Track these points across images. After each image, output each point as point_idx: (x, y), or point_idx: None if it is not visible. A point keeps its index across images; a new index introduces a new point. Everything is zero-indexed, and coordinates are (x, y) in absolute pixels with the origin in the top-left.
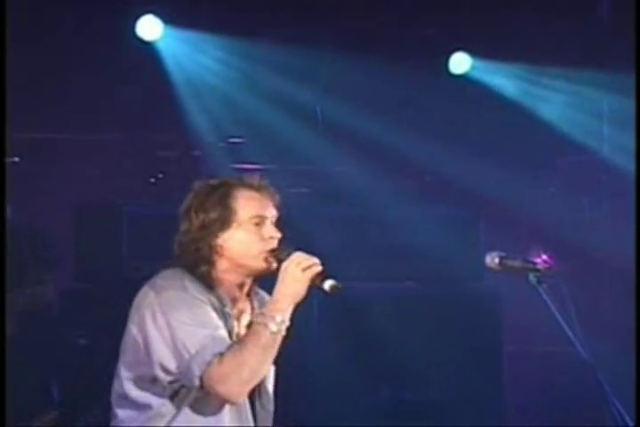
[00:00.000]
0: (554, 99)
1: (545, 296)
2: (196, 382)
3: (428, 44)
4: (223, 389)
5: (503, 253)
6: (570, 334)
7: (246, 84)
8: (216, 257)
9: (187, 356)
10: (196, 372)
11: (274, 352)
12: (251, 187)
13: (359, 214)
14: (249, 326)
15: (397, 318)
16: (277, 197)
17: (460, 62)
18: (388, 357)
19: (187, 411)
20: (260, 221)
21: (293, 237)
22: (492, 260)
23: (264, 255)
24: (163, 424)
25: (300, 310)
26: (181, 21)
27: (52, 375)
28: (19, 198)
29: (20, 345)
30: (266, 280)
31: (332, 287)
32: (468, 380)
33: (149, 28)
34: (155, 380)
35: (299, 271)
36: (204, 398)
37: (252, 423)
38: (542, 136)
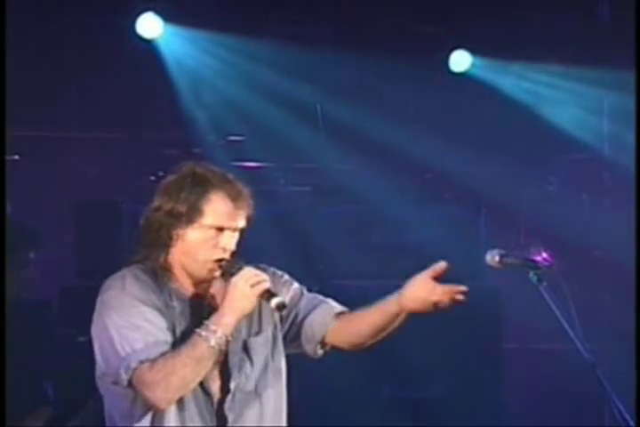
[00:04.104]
0: (554, 96)
1: (545, 294)
2: (126, 385)
3: (428, 43)
4: (149, 394)
5: (503, 252)
6: (570, 332)
7: (246, 81)
8: (172, 246)
9: (116, 360)
10: (123, 376)
11: (208, 365)
12: (228, 193)
13: (360, 213)
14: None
15: None
16: (252, 208)
17: (460, 60)
18: (388, 355)
19: (136, 410)
20: (220, 230)
21: (294, 234)
22: (492, 258)
23: (209, 265)
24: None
25: None
26: (181, 19)
27: (50, 373)
28: (19, 197)
29: (17, 343)
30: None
31: (278, 305)
32: (469, 378)
33: (149, 25)
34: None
35: (247, 287)
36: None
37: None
38: (542, 134)
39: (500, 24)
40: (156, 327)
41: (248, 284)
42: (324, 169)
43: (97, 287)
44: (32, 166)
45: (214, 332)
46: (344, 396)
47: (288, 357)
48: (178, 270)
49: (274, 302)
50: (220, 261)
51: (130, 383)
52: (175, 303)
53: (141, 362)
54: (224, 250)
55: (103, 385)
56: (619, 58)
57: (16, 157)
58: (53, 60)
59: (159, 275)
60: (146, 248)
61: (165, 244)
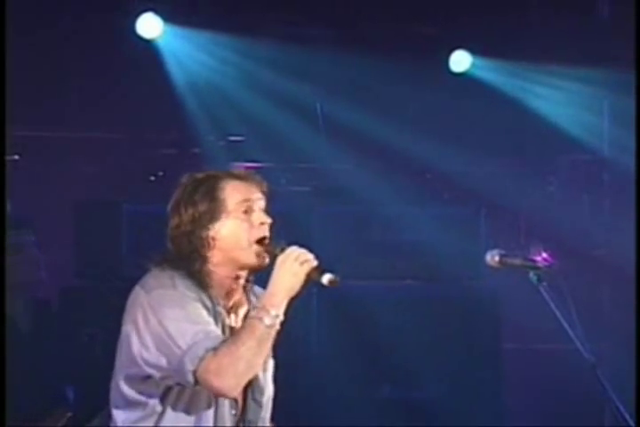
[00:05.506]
0: (554, 97)
1: (545, 294)
2: (190, 378)
3: (428, 43)
4: (219, 382)
5: (503, 252)
6: (570, 332)
7: (246, 81)
8: (208, 250)
9: (179, 352)
10: (189, 367)
11: (269, 346)
12: (236, 176)
13: (360, 213)
14: (245, 318)
15: (397, 316)
16: (265, 184)
17: (460, 60)
18: (387, 355)
19: (178, 409)
20: (247, 208)
21: (294, 234)
22: (492, 258)
23: (255, 248)
24: (153, 423)
25: (298, 308)
26: (181, 19)
27: (48, 373)
28: (19, 197)
29: (17, 343)
30: (262, 275)
31: (331, 281)
32: (468, 378)
33: (149, 25)
34: (148, 378)
35: (296, 265)
36: (196, 396)
37: (229, 423)
38: (543, 134)
39: (500, 24)
40: (211, 321)
41: (297, 262)
42: (324, 169)
43: (97, 287)
44: (32, 166)
45: (267, 311)
46: (343, 396)
47: (288, 355)
48: (220, 273)
49: (325, 278)
50: (263, 239)
51: (194, 377)
52: (220, 309)
53: (207, 350)
54: (262, 224)
55: (140, 386)
56: (619, 58)
57: (16, 157)
58: (53, 61)
59: (202, 281)
60: (183, 262)
61: (200, 252)
